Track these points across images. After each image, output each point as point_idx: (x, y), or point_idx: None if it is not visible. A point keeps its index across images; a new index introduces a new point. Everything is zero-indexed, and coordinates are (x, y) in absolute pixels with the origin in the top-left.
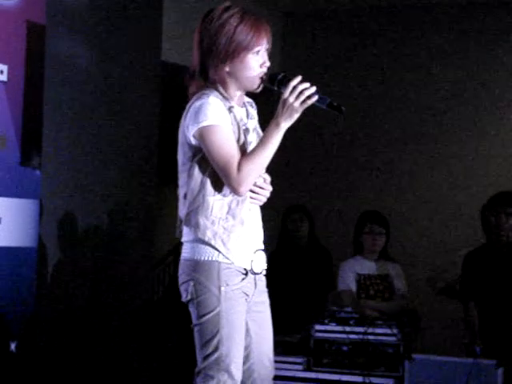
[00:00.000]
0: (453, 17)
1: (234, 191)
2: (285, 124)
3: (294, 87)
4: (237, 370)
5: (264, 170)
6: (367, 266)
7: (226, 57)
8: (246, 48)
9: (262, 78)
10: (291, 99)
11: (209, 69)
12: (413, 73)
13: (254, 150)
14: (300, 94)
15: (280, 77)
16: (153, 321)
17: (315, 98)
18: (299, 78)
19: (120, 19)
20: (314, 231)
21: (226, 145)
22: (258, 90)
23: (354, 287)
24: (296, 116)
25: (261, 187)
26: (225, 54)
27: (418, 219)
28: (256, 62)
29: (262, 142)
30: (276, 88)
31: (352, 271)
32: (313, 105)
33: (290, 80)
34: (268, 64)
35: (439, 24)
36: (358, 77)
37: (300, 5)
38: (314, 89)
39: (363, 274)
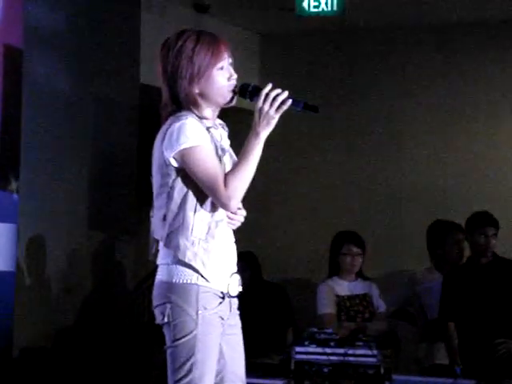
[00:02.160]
0: (426, 38)
1: (225, 207)
2: (264, 133)
3: (267, 95)
4: None
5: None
6: (345, 287)
7: (192, 78)
8: (209, 65)
9: (233, 90)
10: (266, 107)
11: (179, 95)
12: (390, 92)
13: (237, 165)
14: (274, 101)
15: (251, 88)
16: (133, 344)
17: (289, 102)
18: (270, 86)
19: (98, 42)
20: (260, 275)
21: (209, 164)
22: (233, 104)
23: (333, 309)
24: (273, 123)
25: (236, 211)
26: (190, 77)
27: (398, 237)
28: (222, 77)
29: (243, 155)
30: (249, 99)
31: (331, 293)
32: (288, 109)
33: (261, 89)
34: (235, 76)
35: (417, 44)
36: (336, 96)
37: (277, 26)
38: (286, 93)
39: (342, 295)
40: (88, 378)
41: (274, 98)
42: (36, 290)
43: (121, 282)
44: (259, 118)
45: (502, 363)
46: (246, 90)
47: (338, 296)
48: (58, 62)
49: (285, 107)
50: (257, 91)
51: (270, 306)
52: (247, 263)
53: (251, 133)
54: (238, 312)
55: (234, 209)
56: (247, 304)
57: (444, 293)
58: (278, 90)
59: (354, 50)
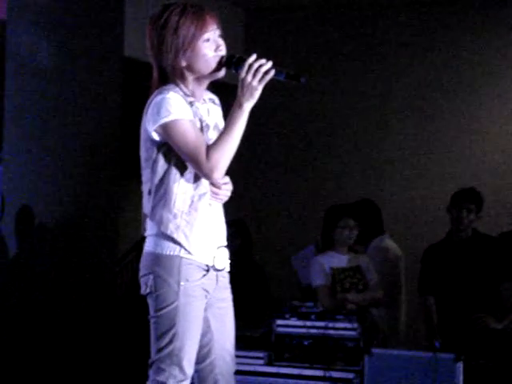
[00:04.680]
0: (412, 14)
1: (208, 179)
2: (247, 104)
3: (250, 65)
4: (189, 366)
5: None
6: (339, 260)
7: (178, 51)
8: (194, 37)
9: (219, 61)
10: (249, 78)
11: (166, 69)
12: (375, 68)
13: (220, 136)
14: (257, 72)
15: (235, 59)
16: (115, 315)
17: (272, 72)
18: (254, 57)
19: (82, 14)
20: (248, 247)
21: (191, 136)
22: (222, 75)
23: (327, 281)
24: (257, 94)
25: (220, 185)
26: (176, 50)
27: (385, 212)
28: (209, 49)
29: (226, 127)
30: (234, 71)
31: (325, 266)
32: (272, 80)
33: (245, 59)
34: (223, 47)
35: (404, 19)
36: (320, 71)
37: (262, 1)
38: (270, 64)
39: (337, 267)
40: (70, 350)
41: (257, 69)
42: (20, 260)
43: (105, 254)
44: (242, 89)
45: (480, 337)
46: (231, 61)
47: (332, 268)
48: (41, 34)
49: (268, 77)
50: (241, 62)
51: (247, 283)
52: (238, 231)
53: (235, 104)
54: (228, 286)
55: (217, 180)
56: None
57: (423, 267)
58: (262, 61)
59: (338, 26)
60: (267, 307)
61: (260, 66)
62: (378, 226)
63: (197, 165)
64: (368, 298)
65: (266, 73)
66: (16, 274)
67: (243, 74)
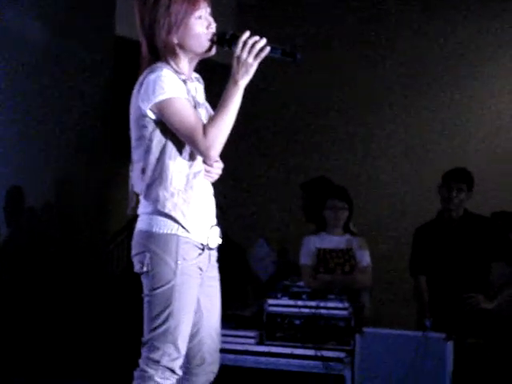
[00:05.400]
0: None
1: (205, 156)
2: (243, 81)
3: (245, 42)
4: (183, 344)
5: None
6: (331, 241)
7: (170, 28)
8: (186, 14)
9: (211, 39)
10: (244, 55)
11: (158, 46)
12: (371, 47)
13: (216, 114)
14: (252, 48)
15: (228, 36)
16: (107, 296)
17: (267, 49)
18: (248, 33)
19: None
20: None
21: (187, 114)
22: (212, 53)
23: (311, 261)
24: (252, 71)
25: (213, 164)
26: (168, 27)
27: (376, 191)
28: (201, 26)
29: (222, 104)
30: (227, 48)
31: (312, 246)
32: (267, 56)
33: (238, 36)
34: (214, 25)
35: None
36: (312, 48)
37: None
38: (264, 40)
39: (323, 248)
40: (63, 329)
41: (252, 46)
42: (10, 241)
43: (97, 234)
44: (237, 66)
45: (471, 317)
46: (224, 38)
47: (318, 249)
48: (32, 14)
49: (263, 54)
50: (234, 39)
51: (229, 263)
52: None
53: (230, 81)
54: (217, 264)
55: (214, 158)
56: None
57: (414, 247)
58: (256, 37)
59: (330, 3)
60: (248, 284)
61: (255, 42)
62: None
63: (194, 143)
64: (345, 280)
65: (262, 49)
66: (6, 255)
67: (238, 50)
